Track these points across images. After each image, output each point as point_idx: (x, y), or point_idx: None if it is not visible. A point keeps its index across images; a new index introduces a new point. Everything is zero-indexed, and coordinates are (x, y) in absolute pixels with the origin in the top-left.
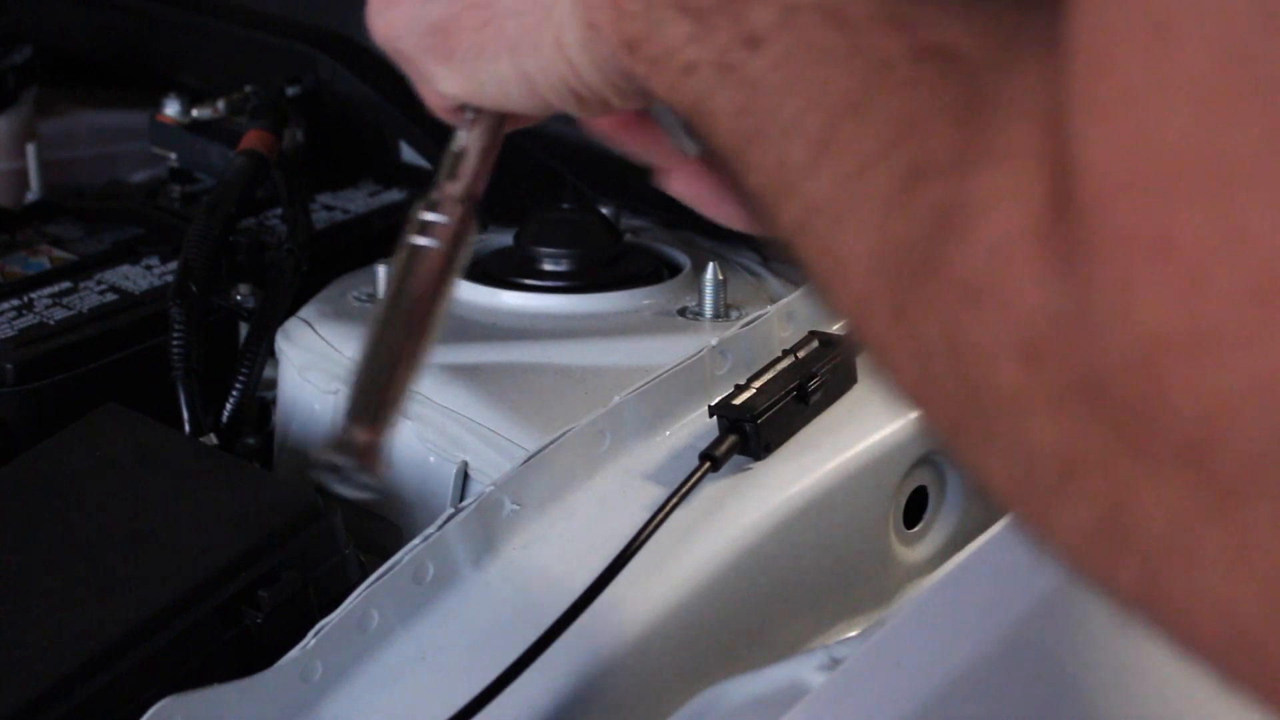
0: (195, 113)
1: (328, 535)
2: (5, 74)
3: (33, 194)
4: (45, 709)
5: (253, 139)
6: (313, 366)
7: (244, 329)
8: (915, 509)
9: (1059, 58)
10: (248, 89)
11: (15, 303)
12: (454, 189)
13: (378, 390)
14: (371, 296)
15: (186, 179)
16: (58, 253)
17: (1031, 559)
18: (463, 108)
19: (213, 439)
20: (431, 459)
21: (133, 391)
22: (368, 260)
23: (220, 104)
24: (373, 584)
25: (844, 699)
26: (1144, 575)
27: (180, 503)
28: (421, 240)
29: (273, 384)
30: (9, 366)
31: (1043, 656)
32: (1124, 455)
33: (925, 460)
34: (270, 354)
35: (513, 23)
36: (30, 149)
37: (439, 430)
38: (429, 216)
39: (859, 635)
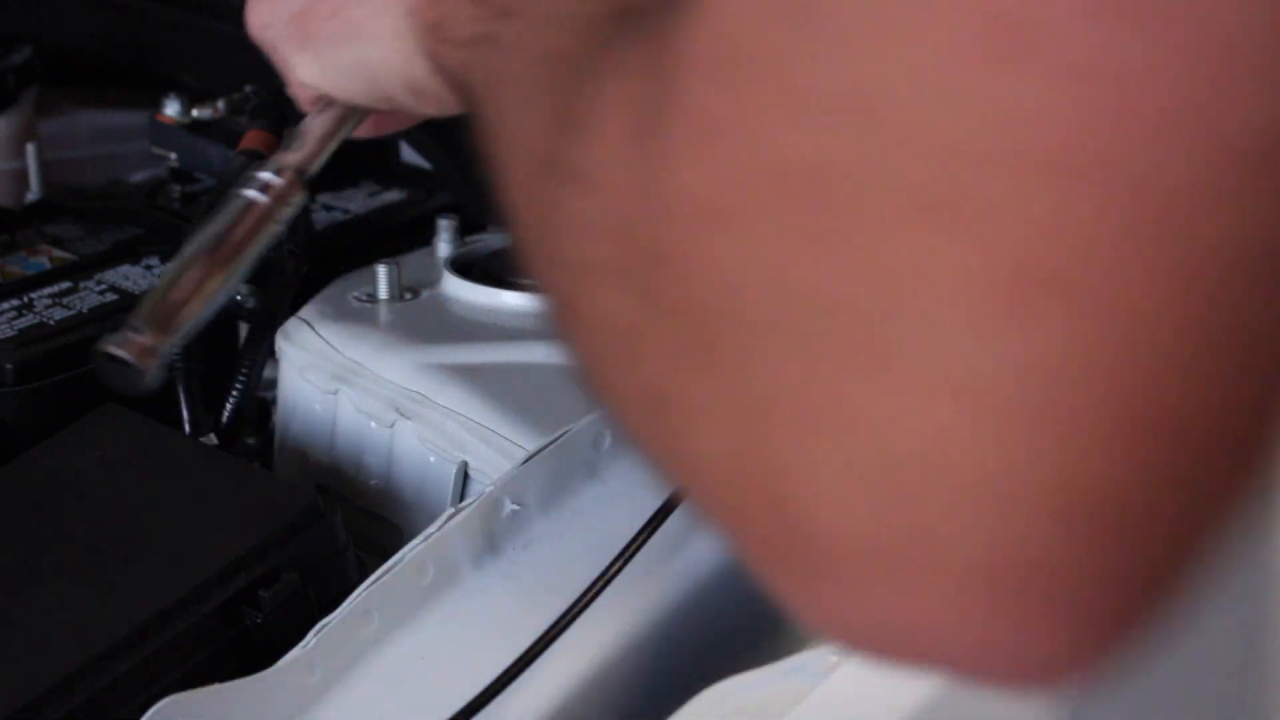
0: (195, 113)
1: (328, 535)
2: (5, 74)
3: (33, 194)
4: (46, 709)
5: (253, 139)
6: (313, 366)
7: (244, 329)
8: None
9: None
10: (248, 89)
11: (15, 303)
12: (289, 159)
13: (172, 305)
14: (371, 296)
15: (186, 179)
16: (58, 253)
17: None
18: (321, 98)
19: (213, 439)
20: (431, 459)
21: None
22: (368, 260)
23: (220, 104)
24: (373, 584)
25: (844, 699)
26: (668, 433)
27: (180, 503)
28: (252, 193)
29: (273, 384)
30: (9, 366)
31: None
32: (663, 324)
33: None
34: (270, 354)
35: (358, 12)
36: (30, 149)
37: (439, 430)
38: (263, 175)
39: None
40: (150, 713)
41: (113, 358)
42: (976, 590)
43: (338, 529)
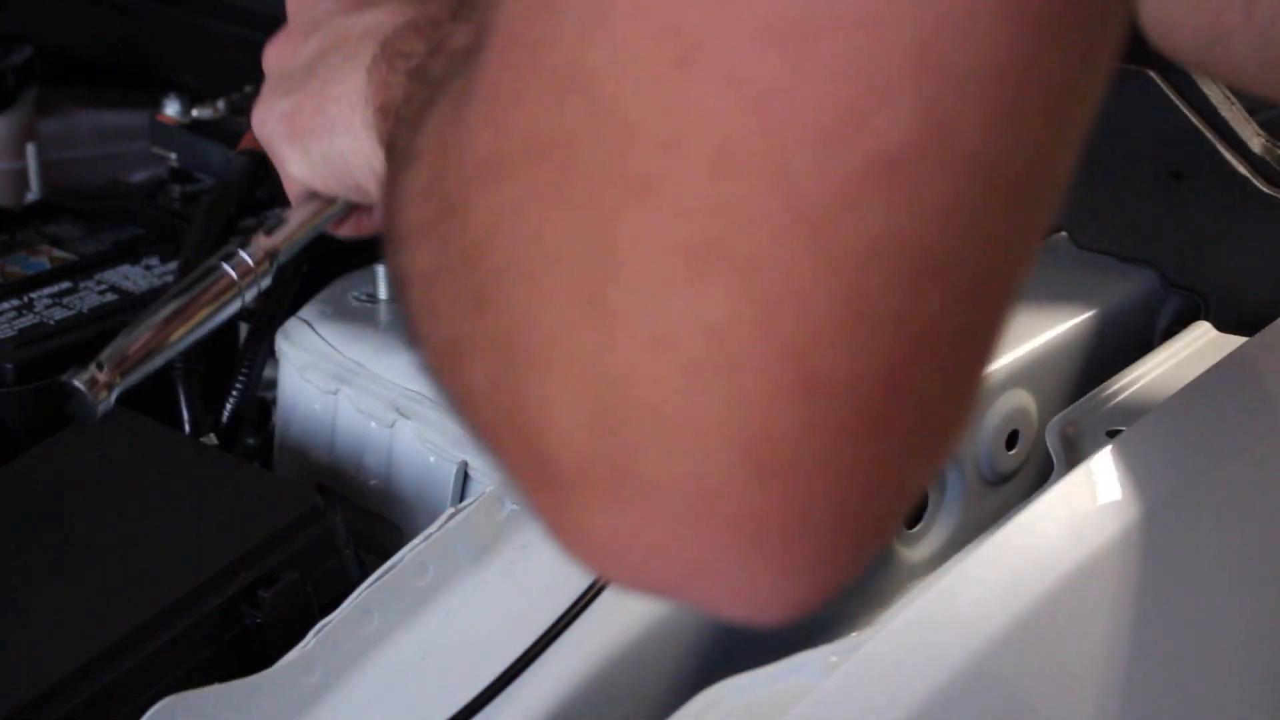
0: (195, 113)
1: (328, 535)
2: (5, 74)
3: (33, 194)
4: (45, 709)
5: (252, 139)
6: (313, 366)
7: (244, 329)
8: (915, 509)
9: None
10: (248, 89)
11: (15, 303)
12: (264, 242)
13: (133, 351)
14: (371, 296)
15: (186, 179)
16: (58, 253)
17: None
18: (307, 192)
19: (213, 439)
20: (431, 459)
21: (133, 391)
22: (368, 260)
23: (220, 104)
24: (373, 584)
25: (844, 699)
26: (455, 374)
27: (180, 503)
28: (225, 267)
29: (273, 384)
30: (9, 366)
31: (1042, 656)
32: (451, 269)
33: None
34: (270, 354)
35: (334, 108)
36: (30, 149)
37: (439, 430)
38: (240, 253)
39: (859, 635)
40: (150, 713)
41: (72, 388)
42: (685, 518)
43: (338, 529)
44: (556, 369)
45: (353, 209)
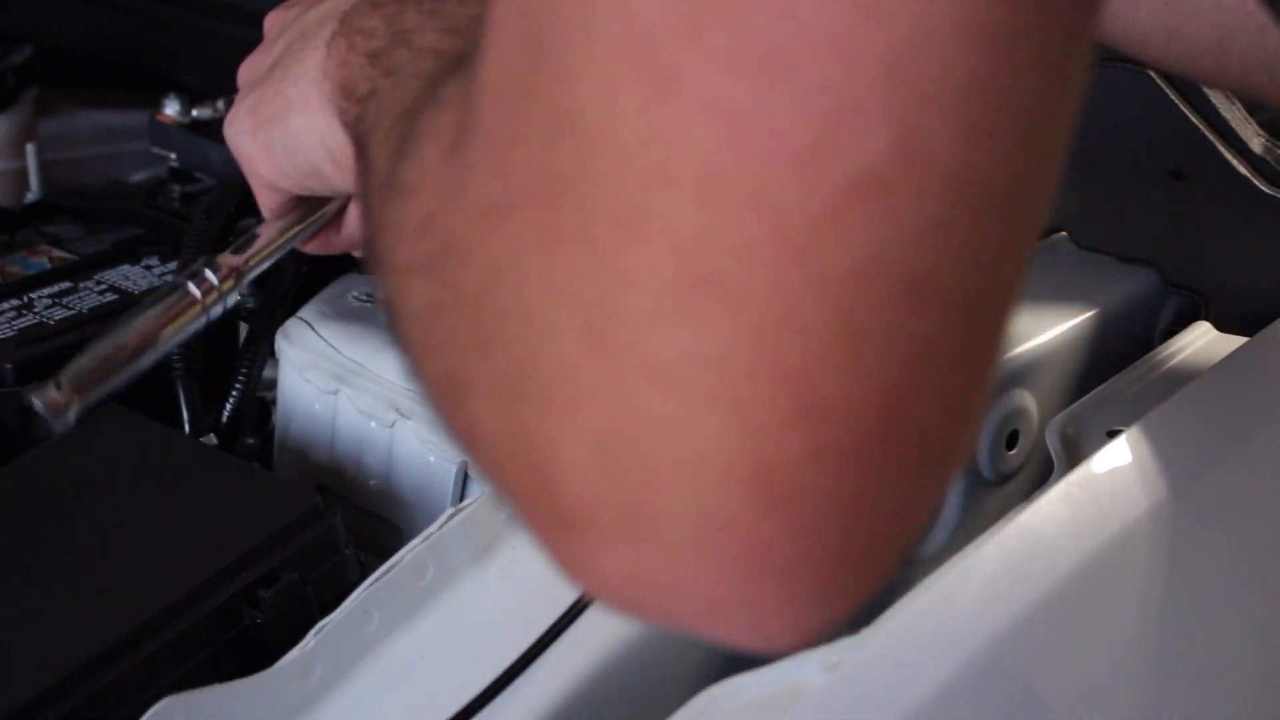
0: (195, 113)
1: (328, 535)
2: (5, 74)
3: (32, 194)
4: (46, 708)
5: None
6: (313, 366)
7: (244, 329)
8: None
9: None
10: None
11: (15, 303)
12: (231, 260)
13: (94, 372)
14: (371, 296)
15: (186, 179)
16: (58, 253)
17: (1032, 558)
18: (279, 207)
19: (213, 439)
20: (431, 459)
21: (133, 391)
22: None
23: (220, 104)
24: (373, 584)
25: (844, 699)
26: (458, 410)
27: (180, 503)
28: (190, 286)
29: (273, 384)
30: (9, 366)
31: (1042, 656)
32: (452, 308)
33: None
34: (270, 354)
35: (291, 89)
36: (30, 149)
37: (439, 430)
38: (206, 272)
39: (859, 635)
40: (150, 713)
41: (30, 407)
42: (695, 553)
43: (338, 529)
44: (562, 409)
45: (322, 227)
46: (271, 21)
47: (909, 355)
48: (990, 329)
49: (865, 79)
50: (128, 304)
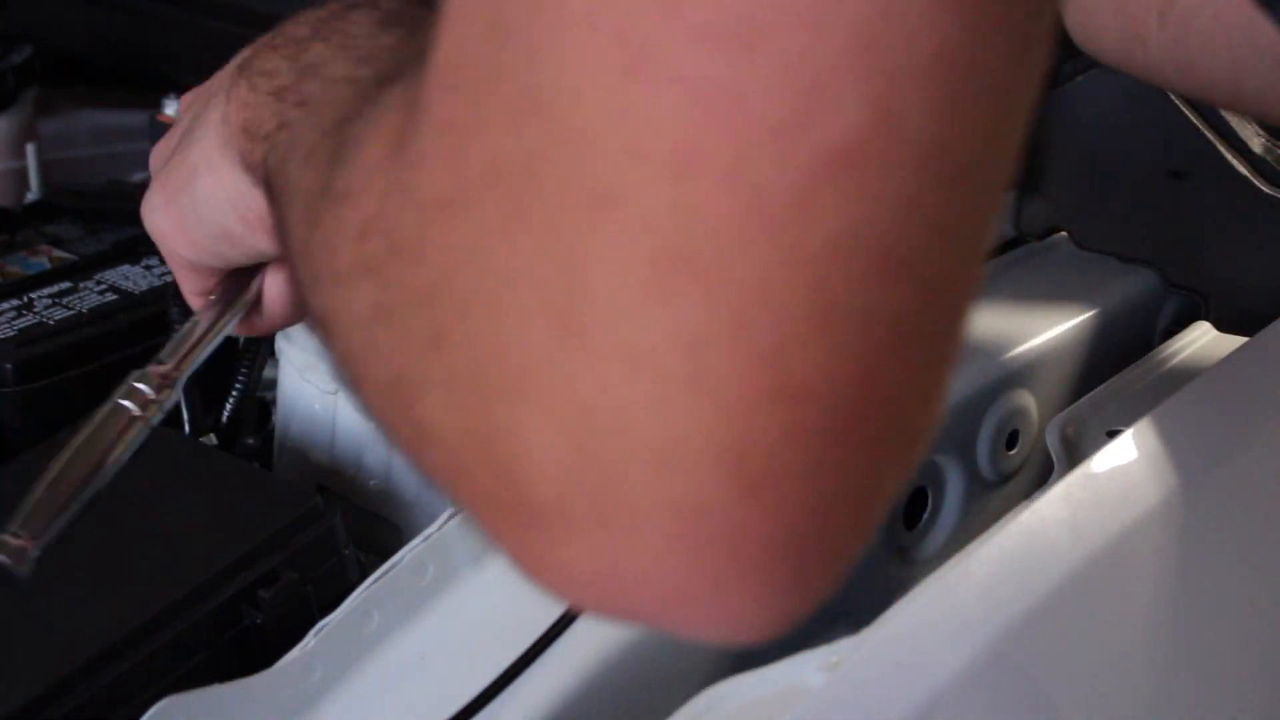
0: None
1: (328, 535)
2: (5, 74)
3: (32, 194)
4: (46, 707)
5: None
6: (313, 366)
7: None
8: (915, 509)
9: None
10: None
11: (15, 303)
12: (162, 369)
13: (45, 510)
14: None
15: None
16: (57, 253)
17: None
18: (204, 302)
19: (213, 439)
20: None
21: None
22: None
23: None
24: (373, 584)
25: (844, 699)
26: (405, 410)
27: (180, 503)
28: (124, 401)
29: (273, 384)
30: (9, 366)
31: (1043, 656)
32: (400, 309)
33: (924, 460)
34: (270, 354)
35: (196, 151)
36: (30, 149)
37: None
38: (136, 384)
39: (859, 635)
40: (150, 713)
41: None
42: (667, 541)
43: (338, 529)
44: (530, 398)
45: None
46: (183, 105)
47: (883, 331)
48: (959, 302)
49: (838, 51)
50: (127, 304)
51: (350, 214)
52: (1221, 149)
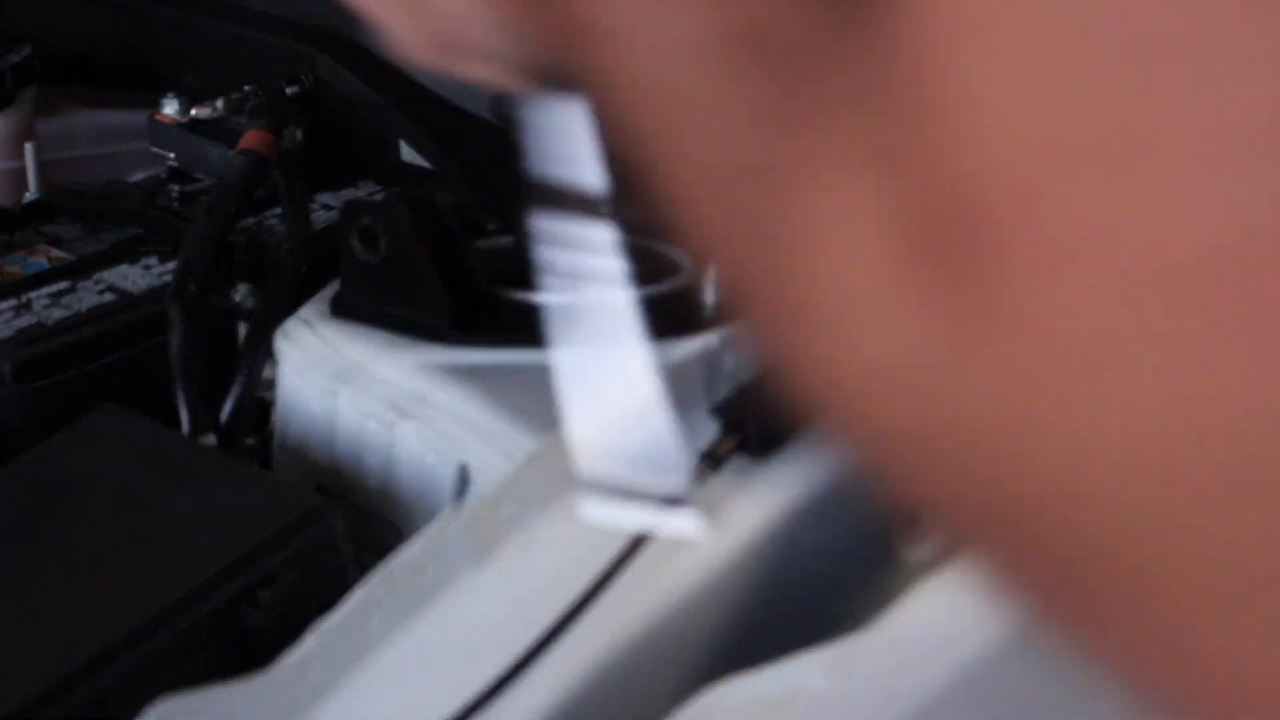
0: (194, 112)
1: (328, 535)
2: (4, 74)
3: (31, 194)
4: (45, 708)
5: (252, 139)
6: (313, 366)
7: (243, 329)
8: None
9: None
10: (247, 89)
11: (14, 303)
12: None
13: None
14: None
15: (186, 179)
16: (56, 253)
17: None
18: None
19: (212, 439)
20: (431, 459)
21: (132, 391)
22: None
23: (219, 103)
24: (372, 584)
25: (844, 699)
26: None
27: (180, 503)
28: None
29: (273, 384)
30: (8, 366)
31: (1044, 656)
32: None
33: None
34: (270, 354)
35: None
36: (29, 149)
37: (439, 431)
38: None
39: (859, 635)
40: (150, 713)
41: None
42: None
43: (338, 529)
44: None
45: None
46: None
47: None
48: None
49: None
50: (127, 304)
51: (851, 353)
52: None
